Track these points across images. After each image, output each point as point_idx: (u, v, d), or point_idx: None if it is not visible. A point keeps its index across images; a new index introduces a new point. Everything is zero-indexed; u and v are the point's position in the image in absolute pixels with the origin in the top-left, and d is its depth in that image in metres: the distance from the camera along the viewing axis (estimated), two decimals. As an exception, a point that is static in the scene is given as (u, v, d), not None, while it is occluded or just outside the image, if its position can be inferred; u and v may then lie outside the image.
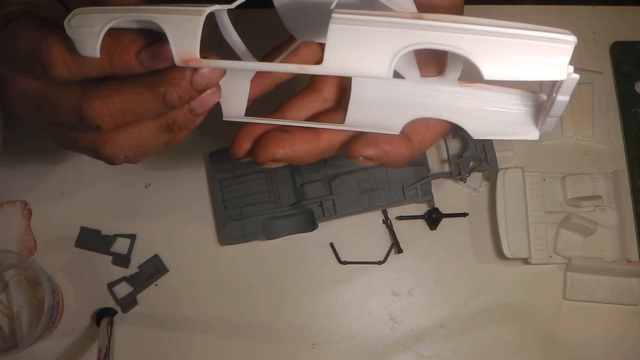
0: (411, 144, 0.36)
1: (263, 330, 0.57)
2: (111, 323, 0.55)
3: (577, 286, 0.58)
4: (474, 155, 0.59)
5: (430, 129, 0.37)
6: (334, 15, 0.30)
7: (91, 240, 0.58)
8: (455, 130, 0.59)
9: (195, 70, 0.34)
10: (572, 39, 0.29)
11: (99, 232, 0.58)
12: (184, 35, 0.32)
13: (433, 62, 0.37)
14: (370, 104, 0.36)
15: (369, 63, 0.30)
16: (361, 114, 0.36)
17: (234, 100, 0.38)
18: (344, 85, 0.40)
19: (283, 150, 0.35)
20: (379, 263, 0.58)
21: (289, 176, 0.58)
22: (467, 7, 0.65)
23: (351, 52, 0.30)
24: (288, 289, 0.58)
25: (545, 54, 0.30)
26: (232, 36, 0.38)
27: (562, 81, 0.30)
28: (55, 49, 0.34)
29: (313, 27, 0.38)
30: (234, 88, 0.38)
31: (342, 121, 0.36)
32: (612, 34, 0.64)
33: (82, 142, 0.38)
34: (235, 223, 0.57)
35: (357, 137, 0.36)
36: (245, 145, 0.37)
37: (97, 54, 0.32)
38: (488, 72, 0.30)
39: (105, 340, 0.52)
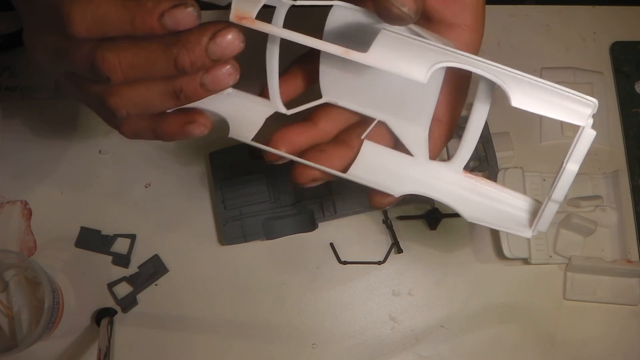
0: None
1: (263, 330, 0.57)
2: (111, 323, 0.55)
3: (577, 286, 0.58)
4: (473, 155, 0.58)
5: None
6: (384, 30, 0.34)
7: (91, 240, 0.58)
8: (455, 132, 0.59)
9: (212, 38, 0.34)
10: (594, 100, 0.33)
11: (99, 232, 0.58)
12: None
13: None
14: (376, 165, 0.38)
15: (409, 65, 0.33)
16: (366, 171, 0.38)
17: (245, 124, 0.39)
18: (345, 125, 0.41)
19: (321, 171, 0.38)
20: (379, 263, 0.58)
21: (289, 176, 0.58)
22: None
23: (395, 53, 0.33)
24: (288, 289, 0.58)
25: (570, 101, 0.33)
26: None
27: (577, 139, 0.33)
28: (77, 7, 0.34)
29: (348, 90, 0.39)
30: (250, 114, 0.39)
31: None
32: (612, 34, 0.64)
33: (92, 91, 0.38)
34: (235, 223, 0.57)
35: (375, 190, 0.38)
36: (280, 149, 0.39)
37: None
38: (517, 101, 0.32)
39: (105, 340, 0.52)
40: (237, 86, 0.37)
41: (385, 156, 0.38)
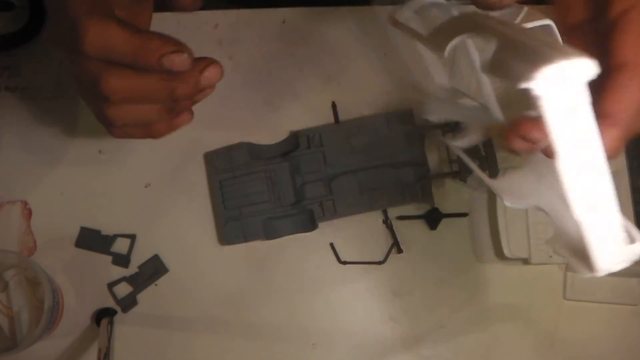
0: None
1: (263, 330, 0.57)
2: (111, 323, 0.55)
3: (577, 286, 0.58)
4: (473, 155, 0.59)
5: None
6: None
7: (91, 240, 0.58)
8: (455, 131, 0.59)
9: (201, 72, 0.41)
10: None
11: (99, 232, 0.58)
12: None
13: None
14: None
15: None
16: None
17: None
18: None
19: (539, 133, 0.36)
20: (379, 263, 0.58)
21: (289, 176, 0.58)
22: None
23: None
24: (288, 289, 0.58)
25: None
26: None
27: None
28: (91, 30, 0.38)
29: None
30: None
31: None
32: (612, 34, 0.64)
33: (93, 99, 0.43)
34: (235, 223, 0.57)
35: None
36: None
37: None
38: None
39: (105, 340, 0.52)
40: None
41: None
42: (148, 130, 0.46)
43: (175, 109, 0.44)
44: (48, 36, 0.44)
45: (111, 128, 0.45)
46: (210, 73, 0.41)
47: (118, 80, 0.40)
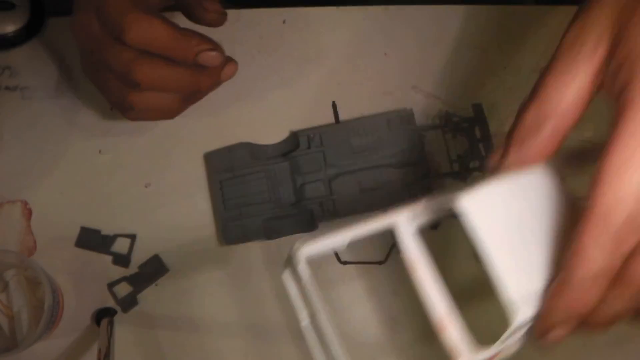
0: None
1: (263, 330, 0.57)
2: (111, 323, 0.55)
3: (577, 286, 0.58)
4: (475, 156, 0.59)
5: None
6: None
7: (91, 240, 0.58)
8: (455, 131, 0.59)
9: (223, 68, 0.48)
10: None
11: (99, 232, 0.58)
12: None
13: None
14: None
15: None
16: None
17: None
18: None
19: None
20: (379, 263, 0.58)
21: (289, 176, 0.58)
22: (468, 8, 0.65)
23: None
24: (288, 289, 0.58)
25: None
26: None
27: None
28: (138, 23, 0.42)
29: None
30: None
31: None
32: (612, 34, 0.64)
33: (115, 85, 0.46)
34: (235, 223, 0.57)
35: None
36: None
37: None
38: None
39: (105, 340, 0.52)
40: None
41: None
42: (163, 114, 0.49)
43: (191, 99, 0.49)
44: (71, 24, 0.46)
45: (129, 112, 0.48)
46: (229, 69, 0.48)
47: (151, 69, 0.43)
